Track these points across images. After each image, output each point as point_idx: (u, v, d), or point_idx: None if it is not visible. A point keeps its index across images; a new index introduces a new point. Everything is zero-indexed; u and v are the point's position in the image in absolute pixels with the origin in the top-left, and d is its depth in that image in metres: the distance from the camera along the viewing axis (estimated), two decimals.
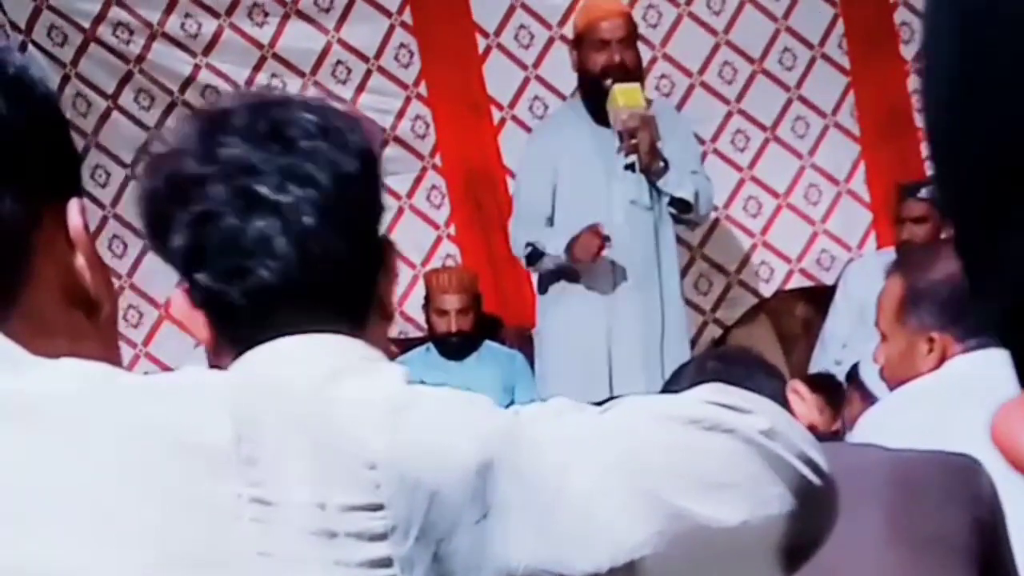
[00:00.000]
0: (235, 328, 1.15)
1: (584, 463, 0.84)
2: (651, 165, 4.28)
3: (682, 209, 4.38)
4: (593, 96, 4.37)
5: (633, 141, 4.23)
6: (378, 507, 0.76)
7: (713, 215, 5.17)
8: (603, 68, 4.36)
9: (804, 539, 0.93)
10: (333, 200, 1.15)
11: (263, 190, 1.14)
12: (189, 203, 1.15)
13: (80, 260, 0.85)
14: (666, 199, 4.36)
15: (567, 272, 4.39)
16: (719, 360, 2.13)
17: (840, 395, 3.54)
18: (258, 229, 1.14)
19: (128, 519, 0.73)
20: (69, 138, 0.88)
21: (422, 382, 0.95)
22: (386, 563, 0.76)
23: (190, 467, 0.74)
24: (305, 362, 1.04)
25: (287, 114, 1.17)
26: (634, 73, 4.40)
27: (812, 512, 0.93)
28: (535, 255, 4.42)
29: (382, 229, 1.23)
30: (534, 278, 4.67)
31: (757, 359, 2.04)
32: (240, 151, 1.14)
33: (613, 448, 0.86)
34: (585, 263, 4.29)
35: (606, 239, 4.22)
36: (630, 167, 4.29)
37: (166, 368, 4.79)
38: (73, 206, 0.85)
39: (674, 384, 1.96)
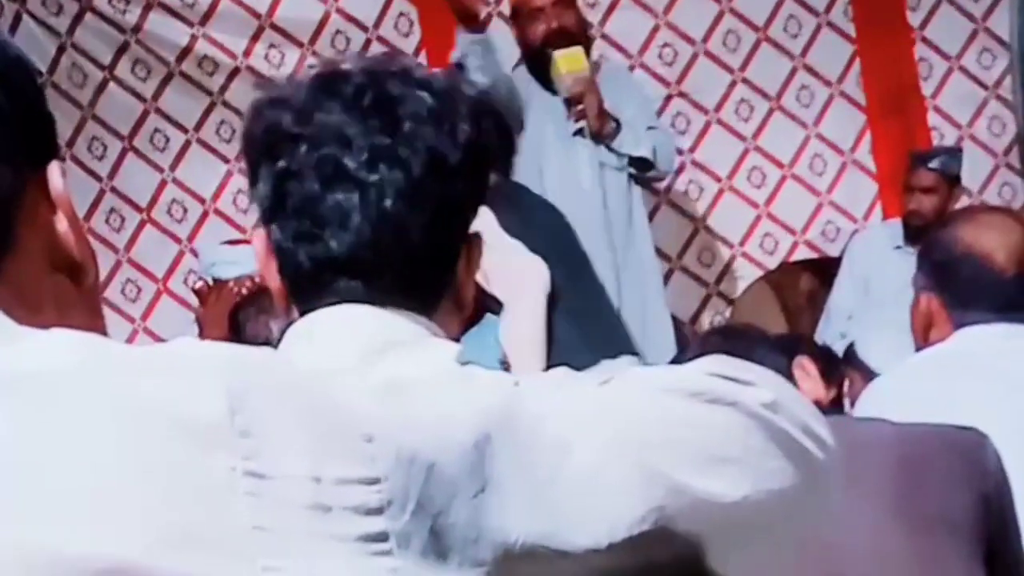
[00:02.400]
0: (300, 287, 1.20)
1: (584, 438, 0.83)
2: (601, 128, 4.25)
3: (641, 167, 4.35)
4: (539, 66, 4.33)
5: (580, 107, 4.21)
6: (374, 480, 0.75)
7: (716, 186, 5.14)
8: (544, 37, 4.31)
9: (808, 512, 0.92)
10: (420, 187, 1.17)
11: (350, 164, 1.16)
12: (278, 158, 1.18)
13: (63, 224, 0.83)
14: (624, 159, 4.34)
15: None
16: (723, 335, 2.12)
17: (839, 366, 3.51)
18: (336, 200, 1.16)
19: (121, 496, 0.71)
20: (44, 100, 0.86)
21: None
22: (382, 537, 0.74)
23: (184, 441, 0.73)
24: (358, 331, 1.10)
25: (402, 89, 1.19)
26: (576, 35, 4.35)
27: (815, 485, 0.92)
28: None
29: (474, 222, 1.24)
30: None
31: (762, 334, 2.02)
32: (337, 119, 1.17)
33: (613, 423, 0.85)
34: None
35: None
36: (579, 132, 4.27)
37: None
38: (54, 169, 0.84)
39: (680, 361, 1.94)
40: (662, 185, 4.87)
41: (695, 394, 0.87)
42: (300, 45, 4.96)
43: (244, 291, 4.31)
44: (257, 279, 4.34)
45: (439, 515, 0.76)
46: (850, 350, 3.48)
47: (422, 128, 1.17)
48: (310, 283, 1.19)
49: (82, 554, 0.70)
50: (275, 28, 4.97)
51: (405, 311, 1.16)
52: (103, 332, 0.84)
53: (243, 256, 4.61)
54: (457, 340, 1.20)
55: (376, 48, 5.01)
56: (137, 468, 0.72)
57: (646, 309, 4.38)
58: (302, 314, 1.19)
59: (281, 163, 1.18)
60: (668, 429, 0.86)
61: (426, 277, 1.20)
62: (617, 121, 4.30)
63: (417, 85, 1.19)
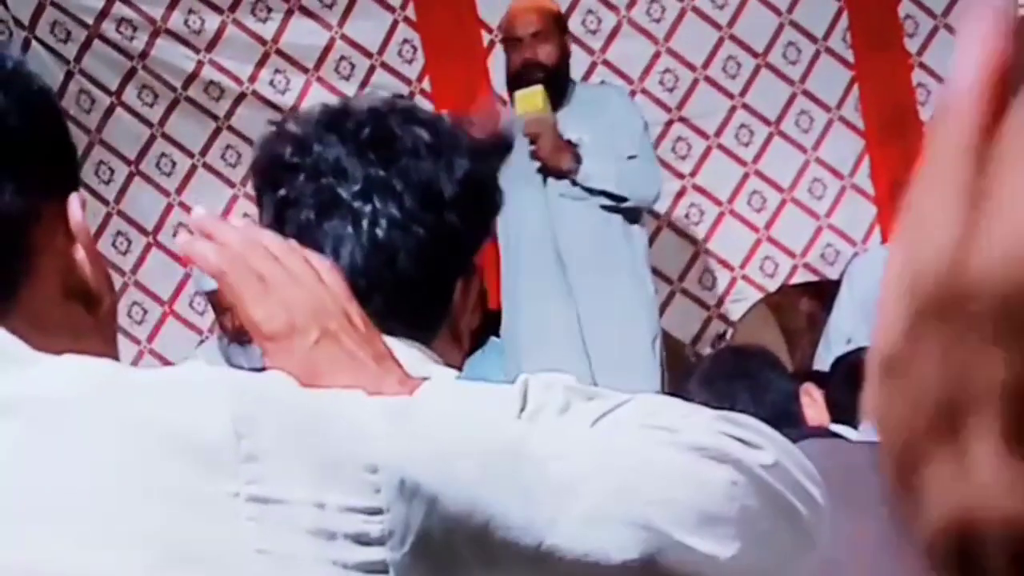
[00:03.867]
0: None
1: (586, 485, 0.84)
2: (560, 165, 4.23)
3: (614, 199, 4.31)
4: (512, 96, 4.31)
5: (532, 147, 4.20)
6: (376, 511, 0.76)
7: (717, 210, 5.17)
8: (520, 66, 4.30)
9: (790, 569, 0.95)
10: (414, 219, 1.19)
11: (345, 194, 1.19)
12: (279, 187, 1.21)
13: (80, 254, 0.85)
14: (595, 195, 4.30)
15: None
16: (733, 355, 2.13)
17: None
18: (331, 228, 1.19)
19: (127, 519, 0.73)
20: (67, 132, 0.89)
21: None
22: (381, 568, 0.75)
23: (189, 465, 0.74)
24: None
25: (403, 126, 1.21)
26: (556, 68, 4.31)
27: (802, 545, 0.94)
28: None
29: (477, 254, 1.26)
30: None
31: (772, 358, 2.05)
32: (336, 151, 1.19)
33: (616, 472, 0.86)
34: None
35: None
36: (541, 170, 4.26)
37: (169, 365, 4.79)
38: (73, 200, 0.86)
39: (687, 381, 1.97)
40: (661, 209, 4.85)
41: (700, 449, 0.89)
42: (305, 71, 5.00)
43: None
44: None
45: (440, 548, 0.77)
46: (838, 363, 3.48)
47: (418, 162, 1.19)
48: None
49: (82, 572, 0.72)
50: (280, 54, 5.01)
51: (401, 338, 1.16)
52: (116, 357, 0.85)
53: None
54: (458, 369, 1.20)
55: (380, 74, 5.04)
56: (139, 491, 0.73)
57: (625, 338, 4.33)
58: None
59: (281, 192, 1.21)
60: (668, 484, 0.86)
61: (419, 306, 1.21)
62: (578, 156, 4.26)
63: (418, 123, 1.22)
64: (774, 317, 5.26)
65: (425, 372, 1.04)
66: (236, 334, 4.20)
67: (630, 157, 4.37)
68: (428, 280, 1.21)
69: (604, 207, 4.34)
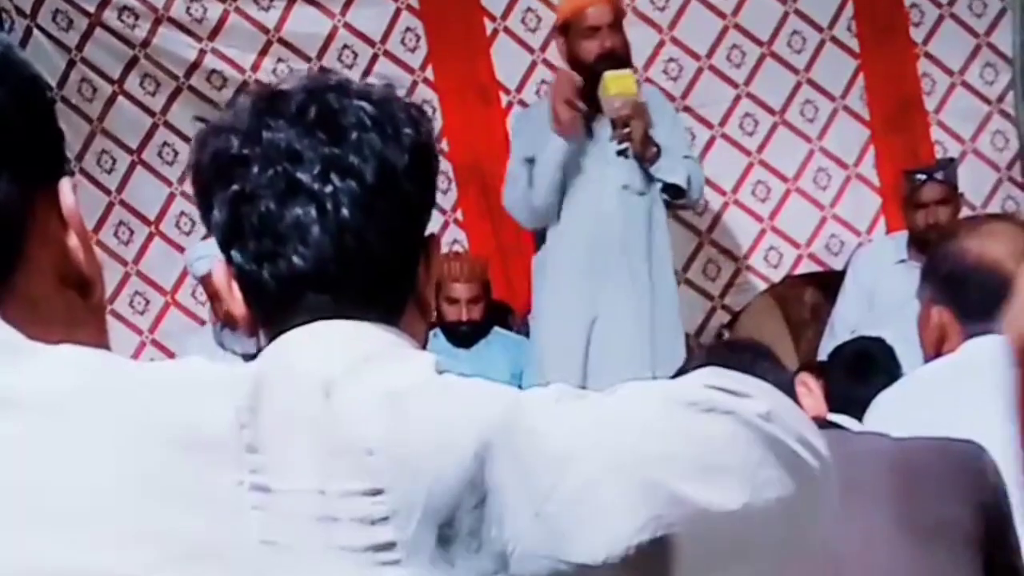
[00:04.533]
0: (266, 309, 1.17)
1: (583, 451, 0.83)
2: (644, 152, 4.27)
3: (675, 194, 4.37)
4: (586, 84, 4.34)
5: (626, 129, 4.22)
6: (377, 492, 0.76)
7: (721, 200, 5.16)
8: (596, 56, 4.33)
9: (803, 520, 0.93)
10: (375, 194, 1.16)
11: (304, 178, 1.15)
12: (231, 182, 1.16)
13: (73, 240, 0.84)
14: (658, 185, 4.35)
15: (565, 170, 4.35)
16: (728, 348, 2.13)
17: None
18: (294, 216, 1.15)
19: (129, 515, 0.72)
20: (55, 118, 0.87)
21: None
22: (390, 547, 0.76)
23: (192, 458, 0.74)
24: (336, 347, 1.07)
25: (342, 101, 1.18)
26: (623, 59, 4.37)
27: (810, 493, 0.92)
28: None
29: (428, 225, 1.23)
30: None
31: (764, 349, 2.03)
32: (285, 136, 1.15)
33: (612, 436, 0.85)
34: (567, 123, 4.25)
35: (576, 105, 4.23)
36: (622, 153, 4.29)
37: (172, 355, 4.79)
38: (65, 185, 0.84)
39: (682, 375, 1.96)
40: (697, 213, 4.88)
41: (692, 404, 0.88)
42: (308, 60, 4.98)
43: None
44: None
45: (444, 525, 0.77)
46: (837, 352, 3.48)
47: (368, 135, 1.17)
48: (277, 302, 1.16)
49: (82, 571, 0.70)
50: (283, 43, 5.00)
51: (377, 323, 1.13)
52: (108, 348, 0.85)
53: (214, 248, 4.60)
54: (423, 346, 1.19)
55: (383, 63, 5.03)
56: (141, 487, 0.73)
57: (661, 332, 4.38)
58: (272, 338, 1.14)
59: (234, 186, 1.16)
60: (666, 441, 0.86)
61: (390, 283, 1.19)
62: (658, 147, 4.32)
63: (356, 96, 1.19)
64: (778, 308, 5.25)
65: (405, 358, 1.02)
66: (227, 319, 4.20)
67: (684, 157, 4.45)
68: (395, 255, 1.19)
69: (665, 201, 4.40)
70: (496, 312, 4.82)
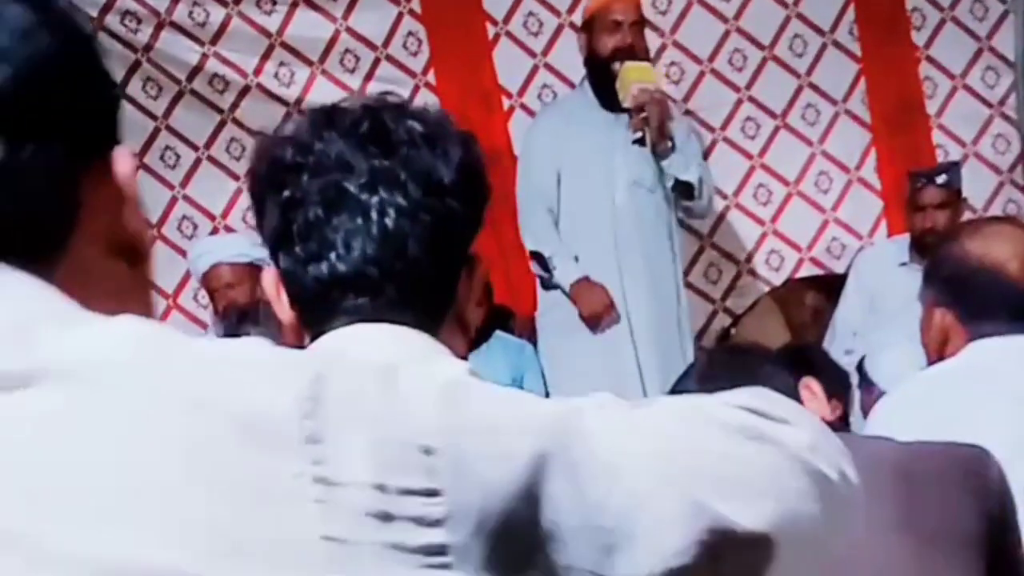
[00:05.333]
0: (307, 311, 1.24)
1: (634, 464, 0.82)
2: (659, 142, 4.28)
3: (685, 194, 4.38)
4: (601, 79, 4.36)
5: (643, 115, 4.24)
6: (434, 492, 0.74)
7: (722, 203, 5.16)
8: (613, 50, 4.36)
9: (831, 547, 0.94)
10: (420, 207, 1.22)
11: (351, 187, 1.22)
12: (283, 189, 1.23)
13: (127, 209, 0.82)
14: (670, 182, 4.36)
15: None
16: (728, 353, 2.13)
17: (846, 384, 3.53)
18: (340, 222, 1.21)
19: (186, 503, 0.70)
20: (112, 87, 0.86)
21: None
22: (442, 550, 0.74)
23: (249, 445, 0.71)
24: (372, 348, 1.12)
25: (396, 120, 1.25)
26: (642, 59, 4.39)
27: (842, 525, 0.94)
28: (543, 267, 4.45)
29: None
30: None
31: (768, 353, 2.03)
32: (338, 148, 1.22)
33: (662, 451, 0.84)
34: (589, 317, 4.32)
35: (613, 307, 4.29)
36: (638, 141, 4.30)
37: None
38: (122, 153, 0.83)
39: (686, 379, 1.96)
40: (703, 223, 4.90)
41: (740, 429, 0.88)
42: (310, 63, 4.99)
43: (223, 274, 4.34)
44: (229, 262, 4.37)
45: (496, 531, 0.76)
46: (862, 365, 3.49)
47: (417, 151, 1.23)
48: (318, 304, 1.23)
49: (126, 558, 0.68)
50: (285, 47, 5.00)
51: (413, 328, 1.18)
52: (154, 318, 0.82)
53: (213, 244, 4.63)
54: (465, 359, 1.22)
55: (385, 67, 5.03)
56: (198, 472, 0.70)
57: (670, 329, 4.40)
58: (313, 339, 1.22)
59: (286, 193, 1.23)
60: (715, 463, 0.85)
61: (428, 294, 1.23)
62: (673, 142, 4.33)
63: (410, 116, 1.26)
64: (780, 311, 5.25)
65: (437, 362, 1.05)
66: (225, 315, 4.21)
67: (698, 164, 4.49)
68: (436, 267, 1.23)
69: (677, 200, 4.42)
70: (498, 316, 4.82)
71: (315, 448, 0.72)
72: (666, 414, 0.89)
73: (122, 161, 0.83)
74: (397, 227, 1.21)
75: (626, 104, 4.27)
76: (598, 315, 4.33)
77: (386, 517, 0.73)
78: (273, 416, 0.72)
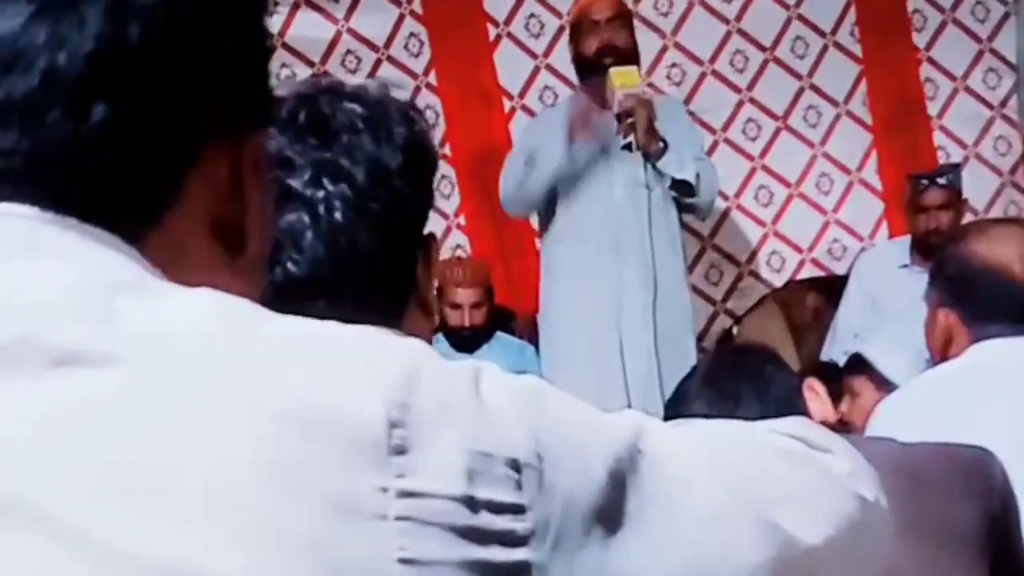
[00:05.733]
0: None
1: (703, 481, 0.80)
2: (648, 145, 4.29)
3: (684, 192, 4.38)
4: (591, 80, 4.38)
5: (630, 120, 4.25)
6: (521, 509, 0.69)
7: (724, 205, 5.16)
8: (597, 50, 4.38)
9: (868, 570, 0.95)
10: (368, 196, 1.16)
11: (295, 184, 1.15)
12: None
13: (245, 194, 0.77)
14: (667, 181, 4.36)
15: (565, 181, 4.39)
16: (735, 354, 2.12)
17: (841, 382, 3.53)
18: (288, 223, 1.15)
19: (254, 511, 0.63)
20: (260, 63, 0.81)
21: None
22: (524, 569, 0.70)
23: (329, 451, 0.65)
24: None
25: (333, 105, 1.18)
26: (629, 55, 4.40)
27: (877, 547, 0.95)
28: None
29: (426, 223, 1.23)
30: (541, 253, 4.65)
31: (771, 354, 2.03)
32: (276, 143, 1.15)
33: (728, 469, 0.83)
34: (586, 132, 4.30)
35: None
36: (627, 147, 4.31)
37: None
38: (258, 138, 0.79)
39: (689, 380, 1.95)
40: (700, 218, 4.88)
41: (789, 454, 0.88)
42: (311, 65, 4.98)
43: None
44: None
45: (573, 549, 0.72)
46: (854, 359, 3.48)
47: (359, 138, 1.17)
48: (276, 310, 1.15)
49: (189, 561, 0.62)
50: (286, 47, 4.99)
51: (377, 324, 1.13)
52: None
53: None
54: (429, 343, 1.19)
55: (386, 68, 5.04)
56: (269, 478, 0.63)
57: (661, 330, 4.40)
58: None
59: None
60: (776, 483, 0.85)
61: (387, 284, 1.18)
62: (665, 142, 4.34)
63: (348, 98, 1.19)
64: (781, 312, 5.26)
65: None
66: None
67: (696, 159, 4.46)
68: (391, 257, 1.18)
69: (674, 199, 4.42)
70: (499, 317, 4.83)
71: (402, 460, 0.66)
72: (719, 436, 0.88)
73: (257, 146, 0.78)
74: (346, 220, 1.15)
75: (614, 110, 4.29)
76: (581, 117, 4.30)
77: (472, 534, 0.67)
78: (359, 421, 0.66)
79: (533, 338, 4.78)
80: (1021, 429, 1.89)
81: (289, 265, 1.15)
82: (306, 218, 1.15)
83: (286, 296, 1.14)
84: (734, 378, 1.87)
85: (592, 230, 4.38)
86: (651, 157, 4.32)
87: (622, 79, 4.26)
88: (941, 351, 2.17)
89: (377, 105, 1.19)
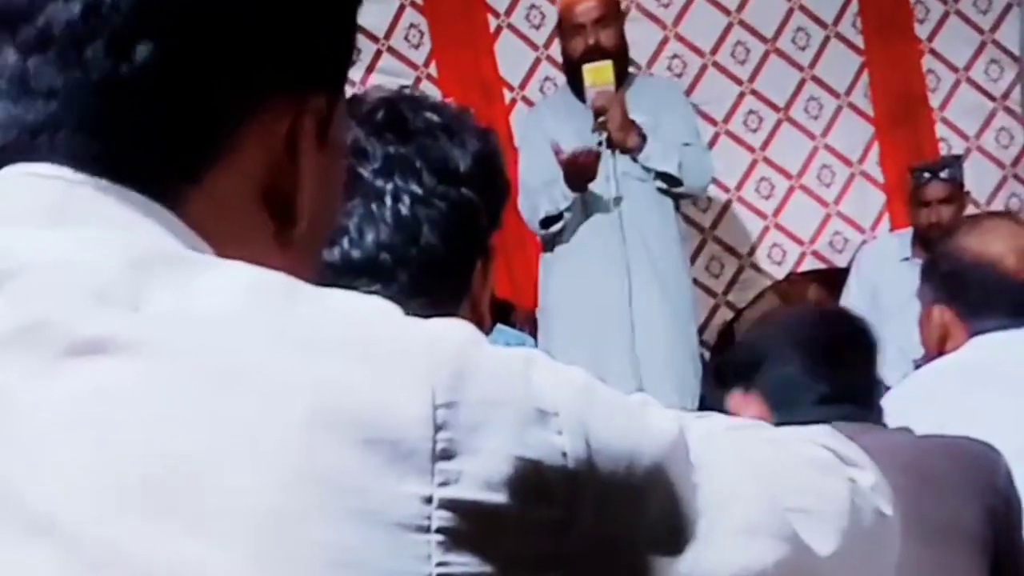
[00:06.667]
0: None
1: (750, 494, 0.78)
2: (625, 141, 4.28)
3: (670, 182, 4.37)
4: (576, 80, 4.38)
5: (601, 119, 4.25)
6: (570, 521, 0.65)
7: (724, 197, 5.15)
8: (582, 53, 4.38)
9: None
10: (434, 194, 1.22)
11: (365, 173, 1.21)
12: None
13: (305, 162, 0.72)
14: (652, 175, 4.36)
15: (576, 218, 4.39)
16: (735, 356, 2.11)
17: None
18: (354, 207, 1.21)
19: (285, 520, 0.58)
20: (341, 19, 0.76)
21: None
22: None
23: (369, 456, 0.59)
24: None
25: (413, 109, 1.25)
26: (614, 53, 4.38)
27: (890, 561, 0.96)
28: (550, 217, 4.43)
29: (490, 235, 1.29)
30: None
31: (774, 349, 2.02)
32: (353, 134, 1.21)
33: (771, 481, 0.81)
34: (581, 179, 4.28)
35: (596, 153, 4.25)
36: (606, 144, 4.31)
37: None
38: (335, 103, 0.74)
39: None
40: (701, 209, 4.86)
41: (821, 466, 0.88)
42: None
43: None
44: None
45: (604, 564, 0.68)
46: None
47: (434, 141, 1.23)
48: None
49: (195, 564, 0.57)
50: None
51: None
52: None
53: None
54: None
55: (386, 59, 5.02)
56: (302, 484, 0.58)
57: (668, 319, 4.39)
58: None
59: None
60: (808, 495, 0.84)
61: (442, 281, 1.23)
62: (643, 135, 4.32)
63: (428, 108, 1.26)
64: (782, 305, 5.24)
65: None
66: None
67: (685, 144, 4.44)
68: (450, 255, 1.23)
69: (660, 190, 4.40)
70: (499, 310, 4.82)
71: (447, 465, 0.60)
72: (759, 442, 0.86)
73: (319, 113, 0.72)
74: (411, 213, 1.21)
75: (589, 107, 4.30)
76: (582, 170, 4.29)
77: (516, 547, 0.62)
78: (399, 421, 0.60)
79: (532, 331, 4.78)
80: (1021, 423, 1.88)
81: (350, 248, 1.21)
82: (373, 206, 1.21)
83: (341, 277, 1.20)
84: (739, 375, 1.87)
85: (592, 223, 4.38)
86: (629, 152, 4.32)
87: (593, 76, 4.27)
88: (937, 348, 2.17)
89: (455, 118, 1.26)
